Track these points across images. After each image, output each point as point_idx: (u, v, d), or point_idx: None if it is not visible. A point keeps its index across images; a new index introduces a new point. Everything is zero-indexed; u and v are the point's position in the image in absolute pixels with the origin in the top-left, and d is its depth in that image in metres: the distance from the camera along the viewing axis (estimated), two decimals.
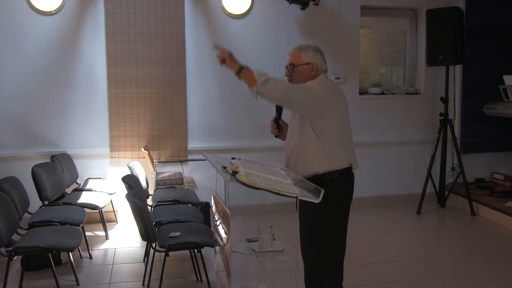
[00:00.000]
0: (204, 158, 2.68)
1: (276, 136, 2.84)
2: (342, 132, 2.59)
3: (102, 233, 4.76)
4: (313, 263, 2.67)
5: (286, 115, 2.80)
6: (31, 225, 3.78)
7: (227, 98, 5.42)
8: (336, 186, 2.54)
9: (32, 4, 4.88)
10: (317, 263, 2.64)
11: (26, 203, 4.03)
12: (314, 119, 2.52)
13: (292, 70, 2.63)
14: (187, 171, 5.34)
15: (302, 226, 2.71)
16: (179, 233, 3.42)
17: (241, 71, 2.52)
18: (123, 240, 4.68)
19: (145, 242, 4.07)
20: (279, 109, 2.76)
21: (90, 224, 4.84)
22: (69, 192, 4.79)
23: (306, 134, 2.55)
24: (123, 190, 4.09)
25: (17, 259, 3.72)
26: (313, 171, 2.54)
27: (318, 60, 2.62)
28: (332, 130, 2.53)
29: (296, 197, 2.12)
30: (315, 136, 2.52)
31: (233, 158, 2.45)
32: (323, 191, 2.20)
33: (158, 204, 4.25)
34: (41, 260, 3.78)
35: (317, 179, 2.50)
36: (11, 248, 3.31)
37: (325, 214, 2.53)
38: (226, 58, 2.59)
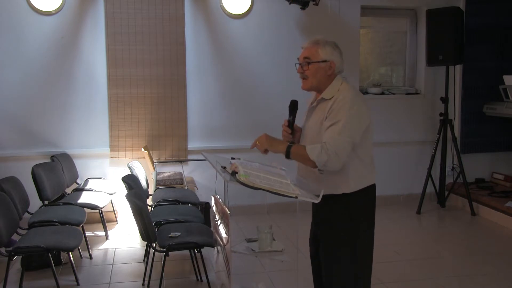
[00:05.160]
0: (204, 158, 2.65)
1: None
2: (370, 147, 2.40)
3: (102, 233, 4.76)
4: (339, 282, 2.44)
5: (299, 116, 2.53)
6: (31, 225, 3.78)
7: (227, 98, 5.42)
8: (359, 201, 2.37)
9: (32, 4, 4.88)
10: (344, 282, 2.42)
11: (26, 203, 4.03)
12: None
13: (307, 66, 2.35)
14: (187, 171, 5.34)
15: (325, 246, 2.45)
16: (179, 233, 3.42)
17: (289, 152, 2.26)
18: (123, 240, 4.68)
19: (145, 242, 4.08)
20: (293, 111, 2.46)
21: (90, 224, 4.85)
22: (69, 192, 4.79)
23: None
24: (123, 190, 4.09)
25: (17, 259, 3.72)
26: (338, 192, 2.33)
27: (337, 58, 2.37)
28: (363, 146, 2.34)
29: (296, 197, 2.12)
30: None
31: (232, 158, 2.44)
32: (322, 191, 2.18)
33: (158, 204, 4.25)
34: (41, 260, 3.78)
35: (344, 198, 2.34)
36: (11, 248, 3.31)
37: (351, 231, 2.36)
38: (266, 145, 2.32)
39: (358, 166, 2.33)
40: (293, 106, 2.44)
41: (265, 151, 2.34)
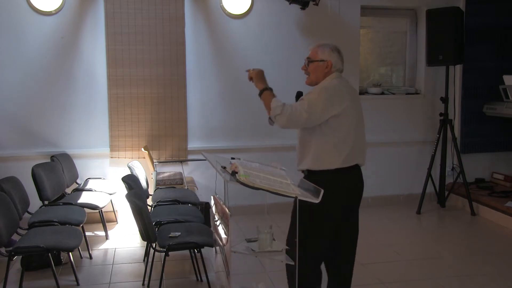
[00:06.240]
0: (204, 158, 2.68)
1: None
2: (347, 132, 2.63)
3: (102, 233, 4.76)
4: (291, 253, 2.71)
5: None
6: (31, 225, 3.78)
7: (227, 98, 5.42)
8: (320, 181, 2.45)
9: (32, 4, 4.88)
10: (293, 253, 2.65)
11: (26, 203, 4.03)
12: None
13: (309, 64, 2.76)
14: (187, 171, 5.34)
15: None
16: (179, 233, 3.42)
17: (262, 93, 2.72)
18: (123, 240, 4.68)
19: (145, 242, 4.08)
20: (298, 98, 2.82)
21: (90, 224, 4.85)
22: (69, 192, 4.79)
23: (308, 129, 2.67)
24: (123, 190, 4.09)
25: (17, 259, 3.72)
26: (306, 167, 2.70)
27: (333, 58, 2.74)
28: (333, 129, 2.61)
29: (296, 197, 2.12)
30: (315, 133, 2.64)
31: (232, 158, 2.45)
32: (322, 191, 2.20)
33: (158, 204, 4.25)
34: (41, 260, 3.78)
35: (309, 174, 2.67)
36: (11, 248, 3.32)
37: (306, 209, 2.43)
38: (254, 76, 2.78)
39: (322, 146, 2.63)
40: (298, 96, 2.83)
41: (250, 79, 2.81)
